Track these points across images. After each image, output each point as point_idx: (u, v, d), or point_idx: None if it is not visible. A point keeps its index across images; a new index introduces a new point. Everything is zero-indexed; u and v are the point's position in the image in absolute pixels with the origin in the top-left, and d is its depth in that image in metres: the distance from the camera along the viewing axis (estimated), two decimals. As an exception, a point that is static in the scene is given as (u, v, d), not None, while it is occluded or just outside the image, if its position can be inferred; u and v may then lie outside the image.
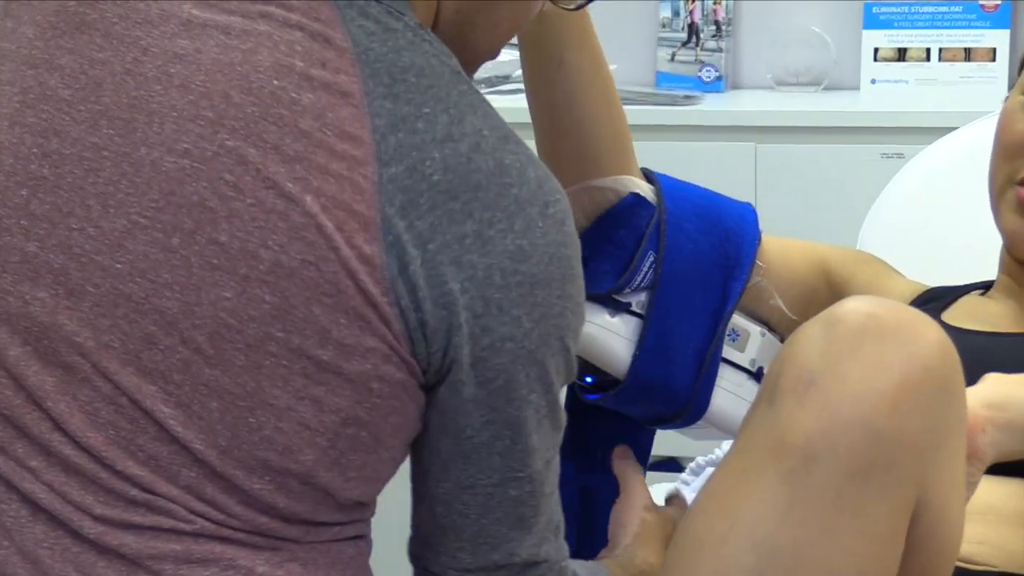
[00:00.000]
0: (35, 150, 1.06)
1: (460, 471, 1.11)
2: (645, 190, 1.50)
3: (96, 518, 1.05)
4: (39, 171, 1.06)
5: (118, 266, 1.04)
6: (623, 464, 1.48)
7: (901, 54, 3.28)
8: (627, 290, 1.47)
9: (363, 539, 1.14)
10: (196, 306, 1.03)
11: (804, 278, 1.65)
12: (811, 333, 1.16)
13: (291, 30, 1.06)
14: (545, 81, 1.46)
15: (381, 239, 1.03)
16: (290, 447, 1.05)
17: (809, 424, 1.12)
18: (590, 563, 1.28)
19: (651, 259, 1.46)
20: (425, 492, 1.13)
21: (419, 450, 1.13)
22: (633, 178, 1.50)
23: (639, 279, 1.47)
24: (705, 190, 1.55)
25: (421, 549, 1.16)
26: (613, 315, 1.46)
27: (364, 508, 1.13)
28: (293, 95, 1.04)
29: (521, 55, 1.48)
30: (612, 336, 1.46)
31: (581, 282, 1.12)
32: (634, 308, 1.47)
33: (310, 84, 1.05)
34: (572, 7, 1.32)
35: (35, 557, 1.05)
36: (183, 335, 1.03)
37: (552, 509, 1.15)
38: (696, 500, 1.21)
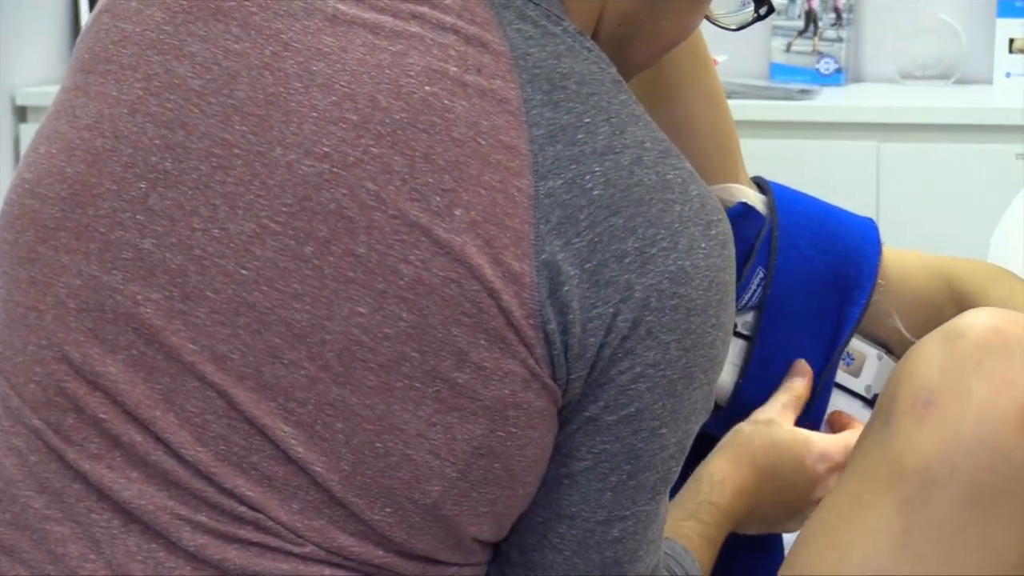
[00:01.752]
0: (157, 141, 1.08)
1: (563, 498, 1.11)
2: (755, 200, 1.50)
3: (197, 528, 1.07)
4: (161, 164, 1.08)
5: (243, 272, 1.05)
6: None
7: (1040, 45, 3.27)
8: None
9: None
10: (327, 320, 1.04)
11: (927, 295, 1.63)
12: (930, 349, 1.17)
13: (444, 33, 1.09)
14: (643, 77, 1.43)
15: (533, 257, 1.04)
16: (417, 476, 1.06)
17: (927, 447, 1.13)
18: (672, 545, 1.27)
19: (760, 275, 1.46)
20: (515, 521, 1.13)
21: None
22: (741, 186, 1.51)
23: (747, 297, 1.47)
24: (823, 203, 1.55)
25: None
26: None
27: (485, 549, 1.14)
28: (445, 102, 1.06)
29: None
30: None
31: (734, 311, 1.13)
32: (740, 329, 1.46)
33: (464, 91, 1.07)
34: (734, 28, 1.34)
35: (125, 571, 1.07)
36: (310, 350, 1.04)
37: (655, 554, 1.15)
38: (805, 528, 1.22)
